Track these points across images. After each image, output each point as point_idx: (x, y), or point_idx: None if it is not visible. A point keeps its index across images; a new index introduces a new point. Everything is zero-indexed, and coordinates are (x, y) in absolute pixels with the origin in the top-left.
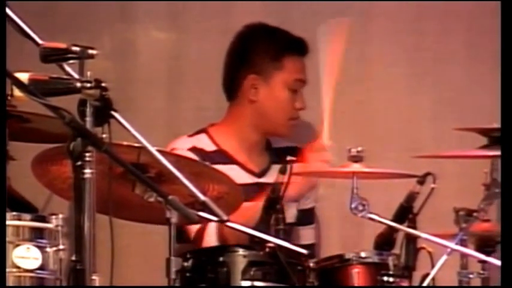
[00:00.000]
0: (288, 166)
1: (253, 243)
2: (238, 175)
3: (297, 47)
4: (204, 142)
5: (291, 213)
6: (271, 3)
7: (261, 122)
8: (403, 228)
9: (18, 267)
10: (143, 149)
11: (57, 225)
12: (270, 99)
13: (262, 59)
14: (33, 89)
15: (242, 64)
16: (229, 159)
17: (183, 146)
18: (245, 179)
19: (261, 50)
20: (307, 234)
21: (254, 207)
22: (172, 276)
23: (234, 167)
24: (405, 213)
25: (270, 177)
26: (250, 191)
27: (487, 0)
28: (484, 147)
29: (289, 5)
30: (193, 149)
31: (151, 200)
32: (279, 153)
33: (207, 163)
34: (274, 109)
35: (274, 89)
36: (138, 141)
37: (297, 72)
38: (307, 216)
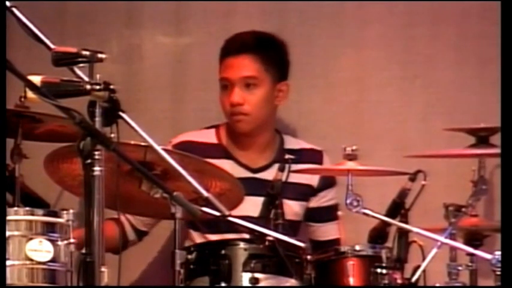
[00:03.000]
0: (287, 164)
1: (253, 237)
2: (232, 169)
3: (226, 50)
4: (209, 136)
5: (294, 211)
6: (269, 9)
7: None
8: (396, 222)
9: (31, 260)
10: (149, 147)
11: (68, 220)
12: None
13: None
14: (46, 91)
15: None
16: (225, 154)
17: (175, 140)
18: (239, 173)
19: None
20: (329, 230)
21: None
22: (177, 268)
23: (229, 161)
24: (397, 208)
25: (269, 175)
26: (243, 185)
27: (476, 6)
28: (472, 146)
29: (286, 11)
30: (183, 143)
31: (157, 196)
32: (289, 153)
33: (207, 159)
34: (223, 111)
35: (219, 93)
36: (145, 141)
37: (221, 72)
38: (328, 213)
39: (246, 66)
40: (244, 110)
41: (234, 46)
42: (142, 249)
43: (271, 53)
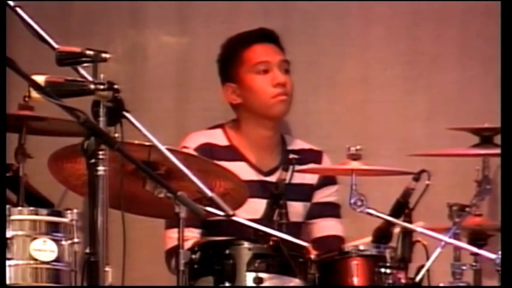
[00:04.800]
0: (291, 165)
1: (257, 237)
2: (245, 172)
3: (248, 38)
4: (218, 137)
5: (298, 212)
6: (273, 9)
7: (253, 114)
8: (400, 222)
9: (35, 260)
10: (153, 147)
11: (72, 220)
12: (248, 93)
13: (228, 65)
14: (50, 90)
15: (220, 75)
16: (238, 156)
17: (193, 144)
18: (251, 176)
19: (224, 56)
20: (326, 225)
21: None
22: (181, 267)
23: (242, 163)
24: (401, 208)
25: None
26: (254, 188)
27: (480, 6)
28: (476, 145)
29: (290, 10)
30: (205, 145)
31: (161, 195)
32: (292, 154)
33: (214, 160)
34: (256, 98)
35: (246, 83)
36: (149, 140)
37: (255, 57)
38: (326, 209)
39: (279, 52)
40: (287, 91)
41: (258, 35)
42: (146, 249)
43: (282, 47)
